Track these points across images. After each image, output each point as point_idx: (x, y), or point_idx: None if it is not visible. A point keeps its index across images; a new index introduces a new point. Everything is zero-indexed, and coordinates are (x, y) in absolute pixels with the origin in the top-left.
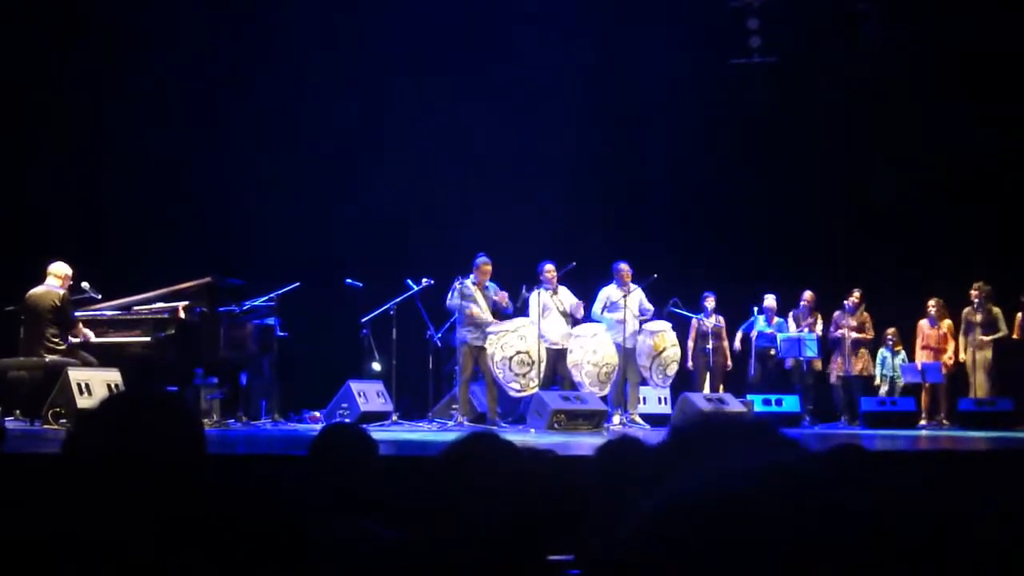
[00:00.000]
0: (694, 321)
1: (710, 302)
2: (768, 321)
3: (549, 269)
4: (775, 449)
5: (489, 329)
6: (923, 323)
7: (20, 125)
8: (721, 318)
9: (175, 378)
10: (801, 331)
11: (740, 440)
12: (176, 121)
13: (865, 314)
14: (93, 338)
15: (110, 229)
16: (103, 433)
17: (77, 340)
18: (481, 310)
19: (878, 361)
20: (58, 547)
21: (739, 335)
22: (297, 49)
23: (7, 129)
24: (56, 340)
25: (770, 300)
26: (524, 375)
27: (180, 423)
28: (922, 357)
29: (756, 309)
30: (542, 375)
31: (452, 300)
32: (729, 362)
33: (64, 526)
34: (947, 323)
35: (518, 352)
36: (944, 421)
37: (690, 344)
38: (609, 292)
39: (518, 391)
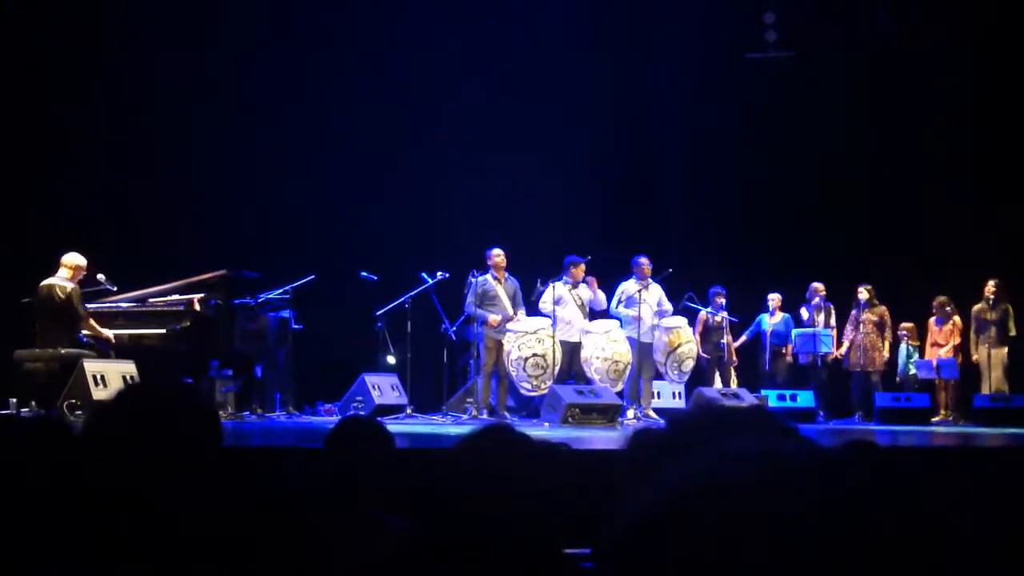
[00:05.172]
0: (702, 314)
1: (720, 297)
2: (771, 313)
3: (577, 265)
4: (772, 436)
5: (508, 326)
6: (931, 321)
7: (40, 119)
8: (724, 313)
9: (190, 370)
10: (817, 325)
11: (737, 428)
12: (191, 114)
13: (882, 307)
14: (108, 333)
15: (126, 221)
16: (118, 425)
17: (87, 333)
18: (500, 310)
19: (899, 355)
20: (73, 534)
21: (743, 339)
22: (311, 41)
23: (28, 124)
24: (69, 332)
25: (774, 297)
26: (537, 377)
27: (196, 415)
28: (932, 355)
29: (771, 307)
30: (557, 369)
31: (471, 307)
32: (735, 357)
33: (79, 516)
34: (956, 319)
35: (534, 355)
36: (959, 419)
37: (696, 338)
38: (626, 287)
39: (529, 391)
